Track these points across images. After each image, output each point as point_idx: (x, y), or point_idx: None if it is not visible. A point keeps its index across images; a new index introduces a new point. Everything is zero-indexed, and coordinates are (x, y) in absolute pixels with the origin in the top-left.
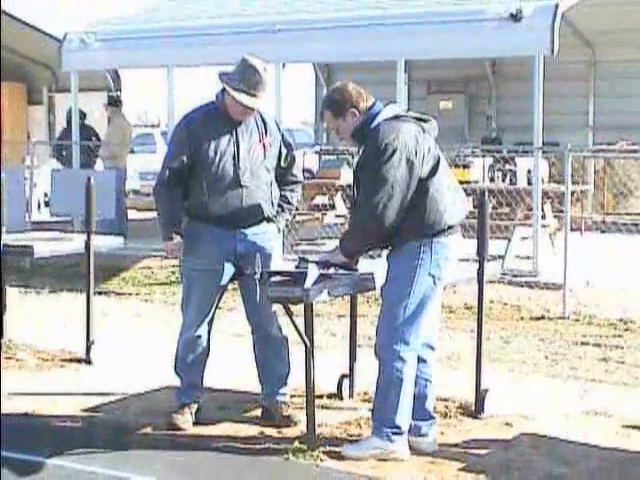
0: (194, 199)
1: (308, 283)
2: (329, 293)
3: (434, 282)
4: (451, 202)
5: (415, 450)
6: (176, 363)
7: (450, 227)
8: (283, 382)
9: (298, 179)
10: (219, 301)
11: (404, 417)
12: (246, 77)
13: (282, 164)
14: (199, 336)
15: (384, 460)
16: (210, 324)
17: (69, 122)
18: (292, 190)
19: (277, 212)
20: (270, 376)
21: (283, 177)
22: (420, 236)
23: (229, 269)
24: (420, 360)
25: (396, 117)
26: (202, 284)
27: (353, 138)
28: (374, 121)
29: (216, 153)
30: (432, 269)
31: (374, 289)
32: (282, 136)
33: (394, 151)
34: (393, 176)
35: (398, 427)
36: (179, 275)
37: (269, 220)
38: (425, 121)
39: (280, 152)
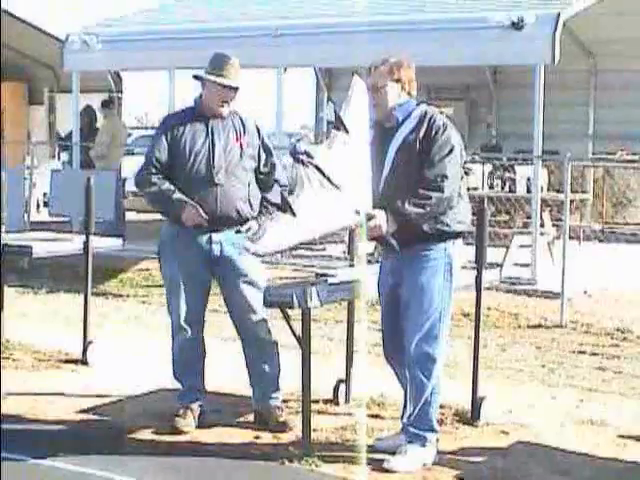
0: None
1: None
2: (326, 299)
3: (453, 284)
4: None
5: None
6: (174, 368)
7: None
8: (275, 386)
9: (281, 183)
10: (205, 302)
11: (436, 418)
12: (215, 63)
13: (262, 169)
14: (190, 339)
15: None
16: (200, 326)
17: (88, 122)
18: (275, 192)
19: (259, 213)
20: (261, 380)
21: (265, 182)
22: (447, 234)
23: (207, 272)
24: None
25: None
26: (181, 291)
27: (389, 112)
28: (420, 107)
29: (191, 152)
30: (456, 272)
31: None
32: (262, 140)
33: (455, 135)
34: (457, 154)
35: (436, 431)
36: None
37: (247, 221)
38: None
39: (259, 156)
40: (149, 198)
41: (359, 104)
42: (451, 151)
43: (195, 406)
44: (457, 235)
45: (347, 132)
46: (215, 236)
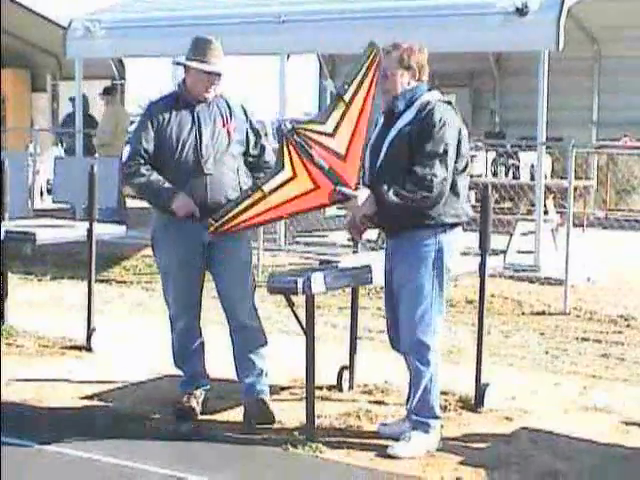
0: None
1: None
2: (330, 285)
3: (447, 273)
4: (465, 194)
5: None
6: (174, 357)
7: (468, 218)
8: (262, 377)
9: (271, 165)
10: (200, 289)
11: (437, 402)
12: (197, 47)
13: (251, 152)
14: (189, 327)
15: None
16: (197, 312)
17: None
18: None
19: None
20: (247, 372)
21: (255, 165)
22: (438, 224)
23: (200, 260)
24: None
25: (449, 103)
26: (176, 276)
27: (395, 98)
28: (424, 95)
29: (178, 141)
30: (448, 260)
31: (371, 282)
32: (250, 123)
33: (450, 131)
34: (451, 154)
35: (439, 417)
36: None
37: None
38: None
39: (248, 139)
40: (138, 189)
41: (367, 79)
42: (445, 151)
43: (198, 392)
44: (451, 225)
45: (347, 105)
46: (206, 222)
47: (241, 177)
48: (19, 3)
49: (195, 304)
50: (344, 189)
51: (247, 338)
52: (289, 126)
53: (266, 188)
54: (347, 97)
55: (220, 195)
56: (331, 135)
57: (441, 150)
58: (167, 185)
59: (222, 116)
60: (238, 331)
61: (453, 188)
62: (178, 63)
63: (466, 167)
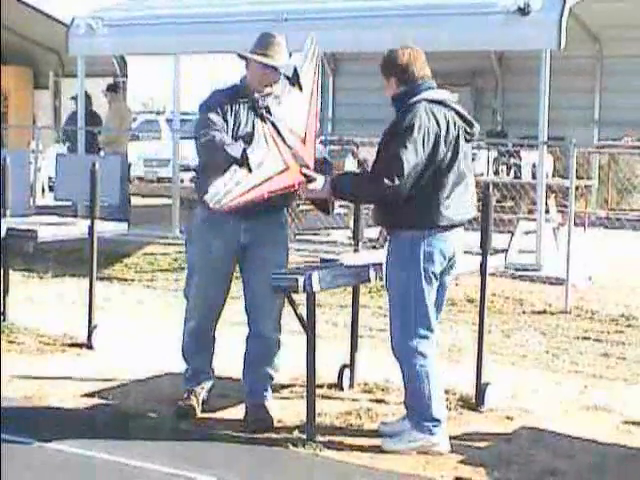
0: (204, 181)
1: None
2: (331, 283)
3: (428, 276)
4: (455, 198)
5: None
6: (183, 349)
7: (453, 223)
8: (267, 384)
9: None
10: (227, 291)
11: (440, 408)
12: (261, 42)
13: None
14: (202, 325)
15: (424, 453)
16: (216, 313)
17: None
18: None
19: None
20: (254, 376)
21: None
22: (413, 227)
23: (231, 259)
24: None
25: (440, 102)
26: (203, 272)
27: (392, 103)
28: (414, 97)
29: (233, 133)
30: (425, 263)
31: (372, 281)
32: None
33: (419, 127)
34: (414, 149)
35: (437, 420)
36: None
37: (278, 210)
38: (467, 123)
39: None
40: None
41: (311, 65)
42: (400, 151)
43: (199, 389)
44: (430, 229)
45: (301, 89)
46: (243, 223)
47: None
48: (22, 1)
49: (214, 305)
50: (308, 171)
51: (263, 348)
52: (264, 104)
53: (252, 165)
54: (299, 83)
55: None
56: (292, 115)
57: (397, 150)
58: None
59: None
60: (256, 339)
61: (433, 190)
62: (240, 55)
63: (450, 166)
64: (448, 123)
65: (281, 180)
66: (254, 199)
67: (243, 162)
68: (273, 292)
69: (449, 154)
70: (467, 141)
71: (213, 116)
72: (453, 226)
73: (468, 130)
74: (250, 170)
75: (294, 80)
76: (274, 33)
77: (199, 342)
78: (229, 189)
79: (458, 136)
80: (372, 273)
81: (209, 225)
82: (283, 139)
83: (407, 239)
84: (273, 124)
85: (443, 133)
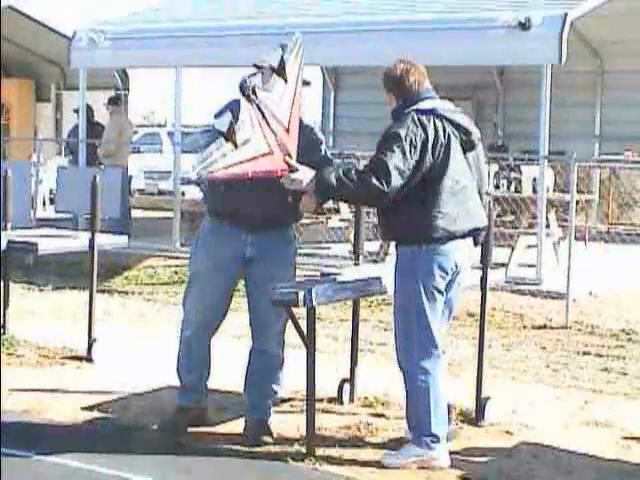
0: (212, 192)
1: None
2: (331, 297)
3: (430, 292)
4: (452, 208)
5: None
6: (178, 364)
7: (451, 234)
8: (269, 400)
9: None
10: (226, 305)
11: (440, 425)
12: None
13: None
14: (198, 338)
15: (423, 468)
16: (212, 326)
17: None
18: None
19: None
20: (257, 392)
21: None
22: (412, 241)
23: (235, 272)
24: None
25: (430, 110)
26: (203, 284)
27: (391, 117)
28: (407, 109)
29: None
30: (424, 278)
31: (373, 294)
32: (316, 142)
33: (406, 135)
34: (401, 153)
35: (436, 435)
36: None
37: (285, 226)
38: (463, 131)
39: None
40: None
41: (296, 62)
42: (379, 158)
43: (190, 407)
44: (426, 241)
45: (285, 81)
46: (250, 237)
47: (295, 193)
48: (25, 14)
49: (212, 317)
50: (292, 161)
51: (267, 364)
52: (251, 84)
53: (238, 140)
54: (285, 74)
55: (269, 208)
56: (277, 105)
57: (385, 154)
58: None
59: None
60: (259, 355)
61: (425, 201)
62: (255, 66)
63: (441, 176)
64: (437, 130)
65: (264, 163)
66: (238, 176)
67: (230, 136)
68: (274, 306)
69: (439, 161)
70: (467, 150)
71: (216, 122)
72: (453, 238)
73: (464, 137)
74: (236, 146)
75: (280, 70)
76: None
77: (193, 356)
78: (215, 159)
79: (449, 143)
80: (372, 287)
81: (215, 235)
82: (267, 123)
83: (407, 254)
84: (259, 107)
85: (431, 140)
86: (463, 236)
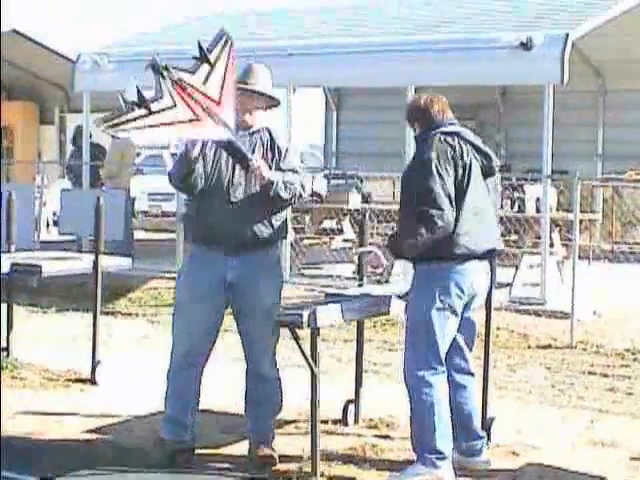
0: (188, 215)
1: None
2: (336, 318)
3: (443, 308)
4: (472, 227)
5: (471, 470)
6: (166, 394)
7: (471, 253)
8: (270, 421)
9: (295, 168)
10: (215, 334)
11: (445, 441)
12: (241, 73)
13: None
14: (184, 368)
15: None
16: (200, 356)
17: (74, 139)
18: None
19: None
20: (258, 414)
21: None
22: (432, 258)
23: (219, 301)
24: (460, 386)
25: (456, 133)
26: (188, 314)
27: (415, 143)
28: (431, 132)
29: (213, 166)
30: (440, 295)
31: (378, 315)
32: (288, 162)
33: (437, 157)
34: (434, 184)
35: (440, 452)
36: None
37: (267, 246)
38: (485, 156)
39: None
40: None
41: (224, 52)
42: (428, 168)
43: (174, 442)
44: (447, 258)
45: (211, 66)
46: (230, 260)
47: (275, 211)
48: (29, 37)
49: (199, 348)
50: (251, 156)
51: (264, 386)
52: (162, 64)
53: (153, 107)
54: (212, 59)
55: (246, 228)
56: (203, 83)
57: (424, 182)
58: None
59: (263, 147)
60: (255, 378)
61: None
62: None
63: (464, 195)
64: (462, 150)
65: (195, 131)
66: (160, 140)
67: (140, 101)
68: (276, 327)
69: (464, 180)
70: (487, 175)
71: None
72: (472, 257)
73: (485, 162)
74: (150, 112)
75: (201, 56)
76: (250, 63)
77: (182, 390)
78: (123, 120)
79: (471, 165)
80: (379, 307)
81: (198, 262)
82: (190, 95)
83: (424, 271)
84: (177, 82)
85: (458, 157)
86: (481, 257)
